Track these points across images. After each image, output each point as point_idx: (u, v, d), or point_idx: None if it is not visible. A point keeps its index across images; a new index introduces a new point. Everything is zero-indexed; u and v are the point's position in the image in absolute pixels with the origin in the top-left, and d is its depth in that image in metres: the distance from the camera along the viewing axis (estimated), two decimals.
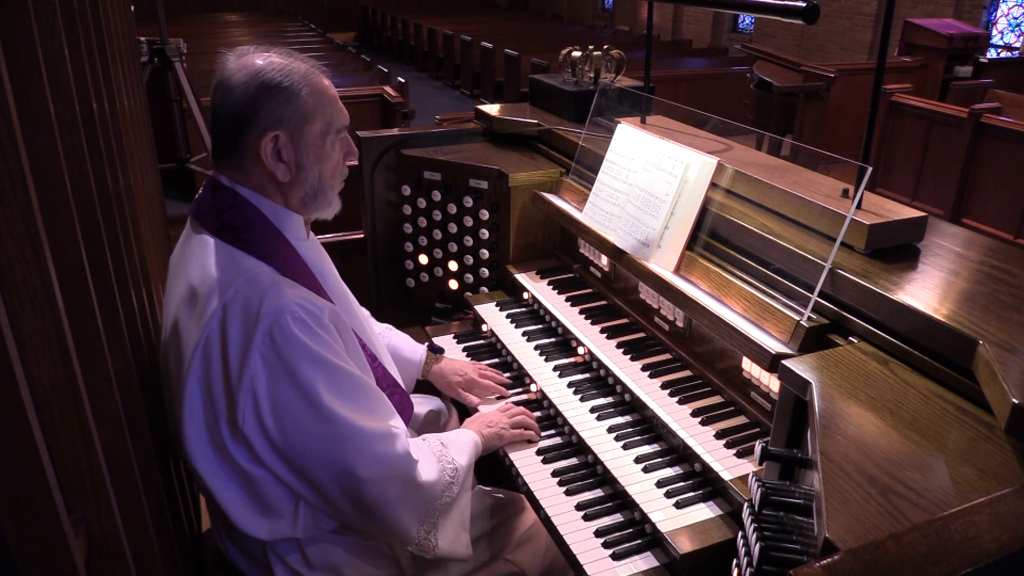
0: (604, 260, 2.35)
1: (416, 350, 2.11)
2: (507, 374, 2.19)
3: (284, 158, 1.49)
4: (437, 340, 2.36)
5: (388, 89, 6.75)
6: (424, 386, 2.15)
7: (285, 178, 1.51)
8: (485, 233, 2.55)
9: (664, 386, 1.90)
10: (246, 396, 1.38)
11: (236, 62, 1.49)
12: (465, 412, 2.09)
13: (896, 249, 1.68)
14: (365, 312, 1.96)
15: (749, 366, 1.77)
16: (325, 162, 1.54)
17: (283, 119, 1.46)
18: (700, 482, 1.67)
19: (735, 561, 1.21)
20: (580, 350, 2.14)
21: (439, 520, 1.61)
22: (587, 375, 2.08)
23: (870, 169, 1.63)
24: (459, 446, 1.72)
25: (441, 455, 1.65)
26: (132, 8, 3.65)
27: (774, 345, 1.58)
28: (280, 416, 1.39)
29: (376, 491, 1.47)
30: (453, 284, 2.68)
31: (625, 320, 2.22)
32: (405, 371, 2.06)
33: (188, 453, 1.45)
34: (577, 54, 2.81)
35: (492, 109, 2.89)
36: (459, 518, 1.67)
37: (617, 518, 1.67)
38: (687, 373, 1.96)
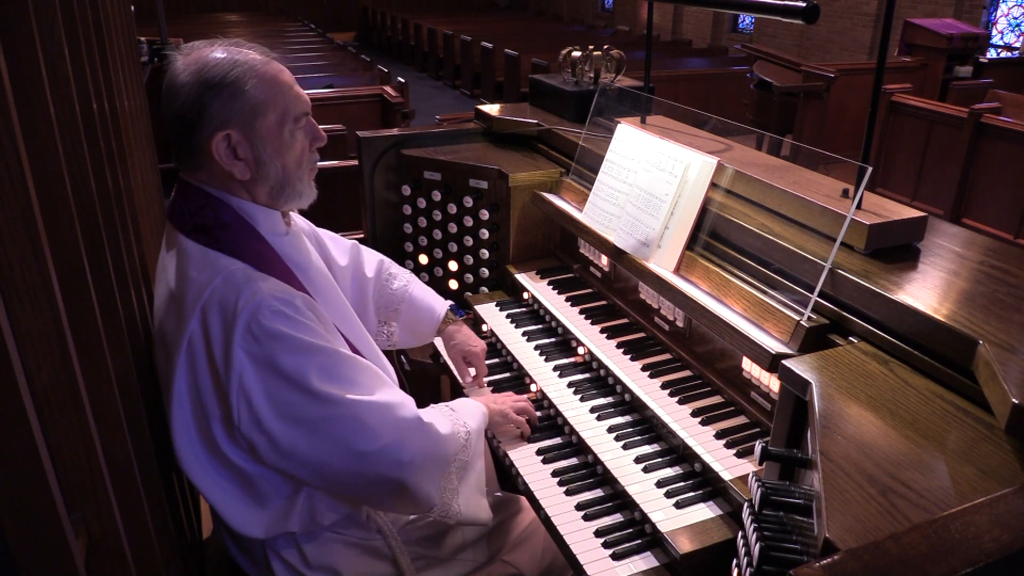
0: (604, 260, 2.35)
1: (439, 304, 2.14)
2: (507, 374, 2.19)
3: (241, 155, 1.45)
4: (437, 340, 2.35)
5: (388, 89, 6.74)
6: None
7: (244, 176, 1.47)
8: (485, 233, 2.55)
9: (664, 386, 1.90)
10: (238, 396, 1.37)
11: (182, 61, 1.45)
12: None
13: (896, 249, 1.68)
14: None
15: (749, 366, 1.77)
16: (287, 153, 1.49)
17: (231, 117, 1.42)
18: (700, 482, 1.67)
19: (735, 561, 1.21)
20: (580, 350, 2.14)
21: (458, 484, 1.61)
22: (587, 375, 2.08)
23: (870, 169, 1.63)
24: (468, 411, 1.73)
25: (453, 418, 1.66)
26: (132, 8, 3.65)
27: (774, 345, 1.58)
28: (278, 412, 1.38)
29: (389, 459, 1.46)
30: (453, 284, 2.68)
31: (625, 320, 2.22)
32: (421, 320, 2.11)
33: (179, 458, 1.45)
34: (577, 54, 2.80)
35: (492, 109, 2.89)
36: (476, 482, 1.67)
37: (617, 518, 1.67)
38: (687, 373, 1.96)
